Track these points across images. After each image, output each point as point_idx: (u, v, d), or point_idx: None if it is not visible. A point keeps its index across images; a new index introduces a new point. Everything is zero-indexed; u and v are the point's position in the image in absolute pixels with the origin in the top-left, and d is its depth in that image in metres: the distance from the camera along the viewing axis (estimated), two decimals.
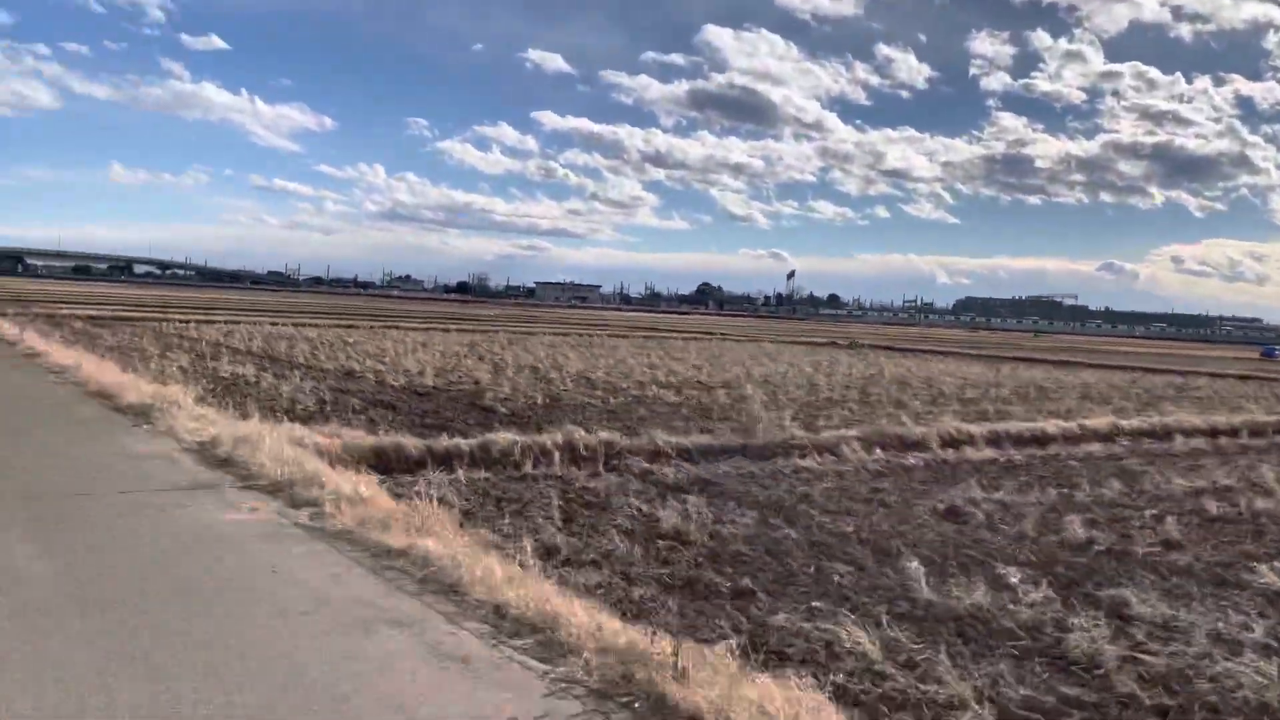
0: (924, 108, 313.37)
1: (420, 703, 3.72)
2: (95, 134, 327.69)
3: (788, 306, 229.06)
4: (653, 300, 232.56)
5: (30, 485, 7.31)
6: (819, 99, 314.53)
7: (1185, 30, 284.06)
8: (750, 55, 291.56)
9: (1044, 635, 5.67)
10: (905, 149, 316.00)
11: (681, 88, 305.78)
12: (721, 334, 56.21)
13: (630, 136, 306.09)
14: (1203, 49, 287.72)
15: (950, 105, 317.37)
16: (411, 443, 10.13)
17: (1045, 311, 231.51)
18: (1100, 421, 15.83)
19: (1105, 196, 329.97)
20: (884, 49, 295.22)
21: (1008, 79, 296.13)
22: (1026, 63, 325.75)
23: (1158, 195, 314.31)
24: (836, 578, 6.69)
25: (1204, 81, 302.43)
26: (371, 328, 38.48)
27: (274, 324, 37.04)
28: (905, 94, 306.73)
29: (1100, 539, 8.26)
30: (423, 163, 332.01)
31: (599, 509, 8.48)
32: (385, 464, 9.64)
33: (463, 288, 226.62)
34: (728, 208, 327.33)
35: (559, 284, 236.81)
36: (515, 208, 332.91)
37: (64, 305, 42.19)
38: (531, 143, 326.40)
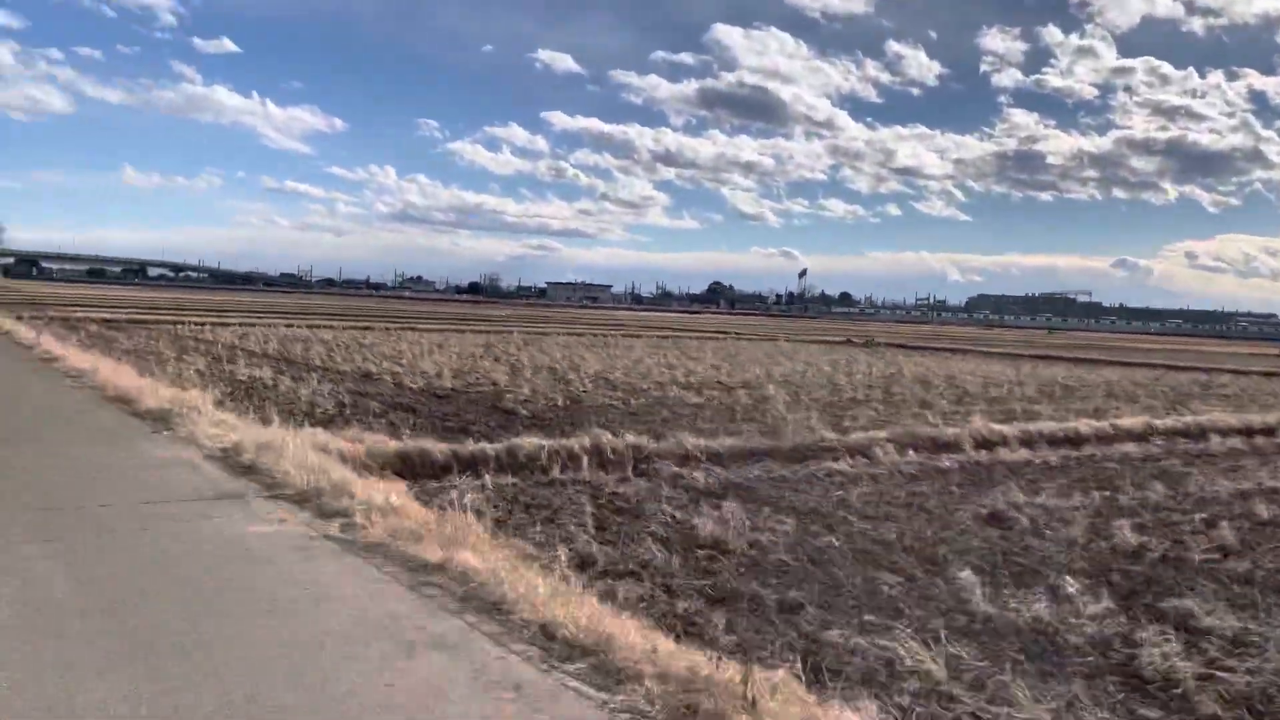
0: (935, 105, 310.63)
1: None
2: (108, 137, 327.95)
3: (799, 305, 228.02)
4: (664, 300, 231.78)
5: (51, 496, 7.11)
6: (829, 97, 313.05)
7: (1198, 24, 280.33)
8: (760, 53, 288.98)
9: (1113, 651, 5.40)
10: (916, 146, 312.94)
11: (691, 87, 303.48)
12: (736, 333, 55.88)
13: (640, 136, 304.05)
14: (1215, 43, 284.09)
15: (961, 102, 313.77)
16: (437, 447, 9.92)
17: (1058, 308, 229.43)
18: (1134, 421, 15.51)
19: (1118, 193, 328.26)
20: (894, 46, 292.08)
21: (1019, 75, 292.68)
22: (1038, 59, 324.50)
23: (1171, 191, 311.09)
24: (886, 589, 6.44)
25: (1217, 76, 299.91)
26: (386, 329, 38.33)
27: (288, 326, 36.97)
28: (916, 91, 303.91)
29: (1153, 545, 7.97)
30: (433, 164, 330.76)
31: (632, 516, 8.25)
32: (410, 469, 9.42)
33: (474, 288, 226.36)
34: (738, 206, 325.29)
35: (570, 284, 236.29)
36: (526, 208, 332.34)
37: (79, 308, 42.22)
38: (542, 143, 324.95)
